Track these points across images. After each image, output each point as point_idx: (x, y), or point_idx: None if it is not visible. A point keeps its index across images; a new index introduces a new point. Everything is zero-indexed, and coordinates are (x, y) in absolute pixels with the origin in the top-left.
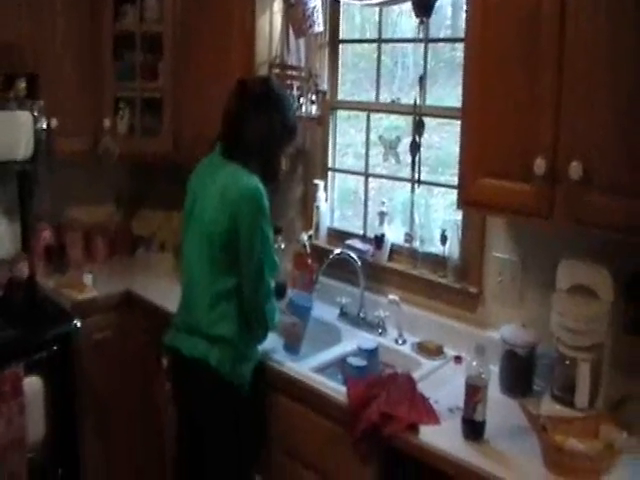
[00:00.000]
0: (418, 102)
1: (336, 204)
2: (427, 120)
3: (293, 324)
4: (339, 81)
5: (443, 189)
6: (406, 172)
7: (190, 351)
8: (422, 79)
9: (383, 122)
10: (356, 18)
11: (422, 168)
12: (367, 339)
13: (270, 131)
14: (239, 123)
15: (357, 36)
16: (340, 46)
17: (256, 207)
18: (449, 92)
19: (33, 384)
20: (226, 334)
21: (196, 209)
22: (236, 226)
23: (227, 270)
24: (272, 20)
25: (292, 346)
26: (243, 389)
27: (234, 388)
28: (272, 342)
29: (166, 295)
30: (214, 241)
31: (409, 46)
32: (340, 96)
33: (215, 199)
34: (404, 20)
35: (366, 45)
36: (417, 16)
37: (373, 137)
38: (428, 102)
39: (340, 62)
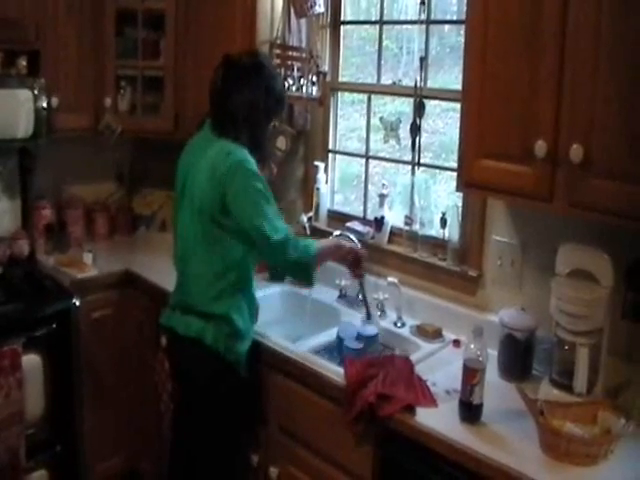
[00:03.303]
0: (419, 84)
1: (340, 188)
2: (432, 106)
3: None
4: (342, 63)
5: (447, 175)
6: (409, 157)
7: (185, 330)
8: (422, 60)
9: (387, 107)
10: (362, 2)
11: (426, 154)
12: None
13: (256, 101)
14: (224, 95)
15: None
16: (344, 29)
17: (246, 173)
18: (455, 78)
19: (32, 361)
20: (221, 312)
21: (187, 186)
22: (227, 198)
23: (221, 246)
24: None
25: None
26: (239, 367)
27: (230, 366)
28: None
29: (166, 274)
30: (207, 217)
31: (414, 31)
32: (344, 79)
33: (206, 174)
34: (411, 6)
35: (371, 30)
36: None
37: (377, 122)
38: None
39: (343, 45)
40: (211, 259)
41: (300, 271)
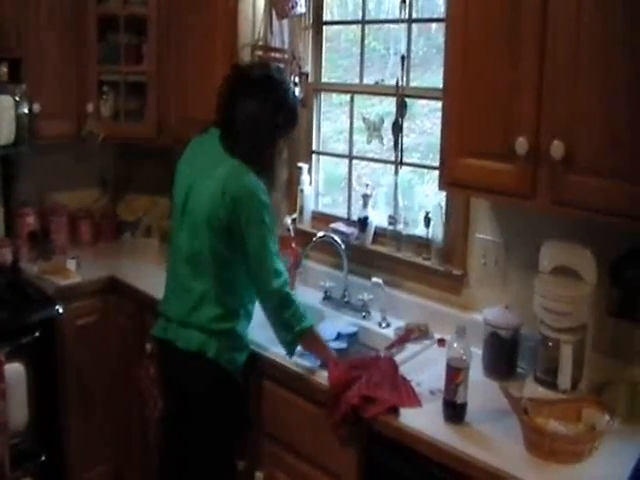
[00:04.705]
0: (401, 83)
1: (328, 190)
2: (419, 106)
3: None
4: (328, 66)
5: (435, 174)
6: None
7: (186, 344)
8: (404, 59)
9: (375, 108)
10: (349, 5)
11: (414, 154)
12: (347, 325)
13: (262, 115)
14: (230, 107)
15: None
16: (331, 31)
17: (258, 204)
18: (441, 79)
19: (15, 370)
20: (227, 328)
21: (190, 201)
22: (234, 223)
23: (224, 262)
24: (255, 1)
25: None
26: (237, 376)
27: (229, 376)
28: None
29: (151, 280)
30: (212, 234)
31: (401, 32)
32: (332, 81)
33: (212, 192)
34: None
35: (358, 31)
36: None
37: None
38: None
39: (330, 47)
40: (213, 274)
41: (285, 331)
